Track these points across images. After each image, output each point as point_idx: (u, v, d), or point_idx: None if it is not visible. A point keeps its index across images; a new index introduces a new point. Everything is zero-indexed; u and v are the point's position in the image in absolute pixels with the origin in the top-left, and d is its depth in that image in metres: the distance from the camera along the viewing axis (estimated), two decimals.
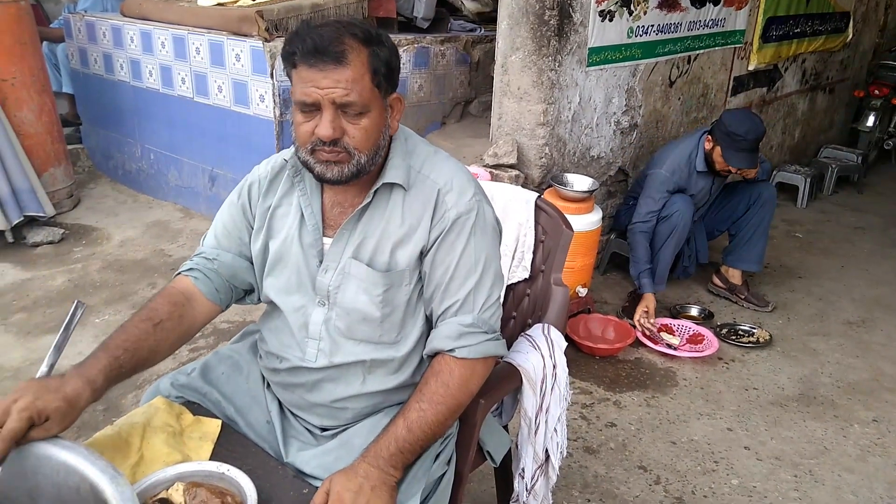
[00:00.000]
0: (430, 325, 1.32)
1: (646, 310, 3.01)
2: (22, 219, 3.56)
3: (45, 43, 4.63)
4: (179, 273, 1.36)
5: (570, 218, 2.75)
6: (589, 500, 2.08)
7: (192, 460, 1.22)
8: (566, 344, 1.61)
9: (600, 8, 3.02)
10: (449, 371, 1.23)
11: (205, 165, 3.93)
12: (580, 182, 2.99)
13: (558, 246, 1.72)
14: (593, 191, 2.95)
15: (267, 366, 1.40)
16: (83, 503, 1.06)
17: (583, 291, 2.97)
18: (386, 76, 1.17)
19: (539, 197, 1.82)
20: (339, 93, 1.11)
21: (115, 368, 1.15)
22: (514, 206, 1.84)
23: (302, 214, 1.30)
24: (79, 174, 4.51)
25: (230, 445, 1.30)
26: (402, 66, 3.56)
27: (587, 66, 3.09)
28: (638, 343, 2.96)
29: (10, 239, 3.56)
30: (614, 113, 3.37)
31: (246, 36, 3.37)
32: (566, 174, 3.07)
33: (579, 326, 2.95)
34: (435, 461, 1.30)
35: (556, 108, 3.02)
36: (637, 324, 3.00)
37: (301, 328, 1.31)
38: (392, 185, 1.26)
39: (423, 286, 1.29)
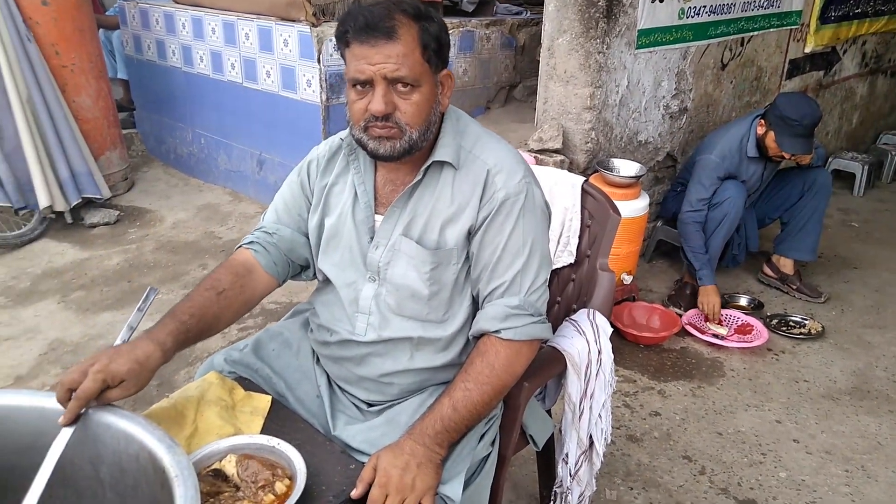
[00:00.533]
0: (476, 306, 1.33)
1: (713, 304, 2.94)
2: (80, 200, 3.69)
3: (101, 30, 4.77)
4: (241, 246, 1.40)
5: (615, 204, 2.72)
6: (632, 488, 2.07)
7: (244, 434, 1.26)
8: (612, 330, 1.60)
9: None
10: (495, 352, 1.24)
11: (253, 150, 4.00)
12: (627, 167, 2.95)
13: (605, 231, 1.70)
14: (640, 176, 2.90)
15: (317, 339, 1.43)
16: (142, 471, 1.11)
17: (628, 279, 2.94)
18: (436, 51, 1.18)
19: (586, 181, 1.80)
20: (391, 67, 1.13)
21: (182, 333, 1.19)
22: (560, 191, 1.82)
23: (356, 192, 1.32)
24: (133, 158, 4.65)
25: (280, 420, 1.33)
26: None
27: (636, 49, 3.02)
28: (684, 332, 2.91)
29: (69, 220, 3.70)
30: (663, 97, 3.30)
31: (294, 21, 3.40)
32: (612, 159, 3.02)
33: (624, 314, 2.92)
34: (479, 442, 1.31)
35: (603, 91, 2.97)
36: (710, 320, 2.94)
37: (352, 303, 1.34)
38: (442, 164, 1.26)
39: (470, 266, 1.30)
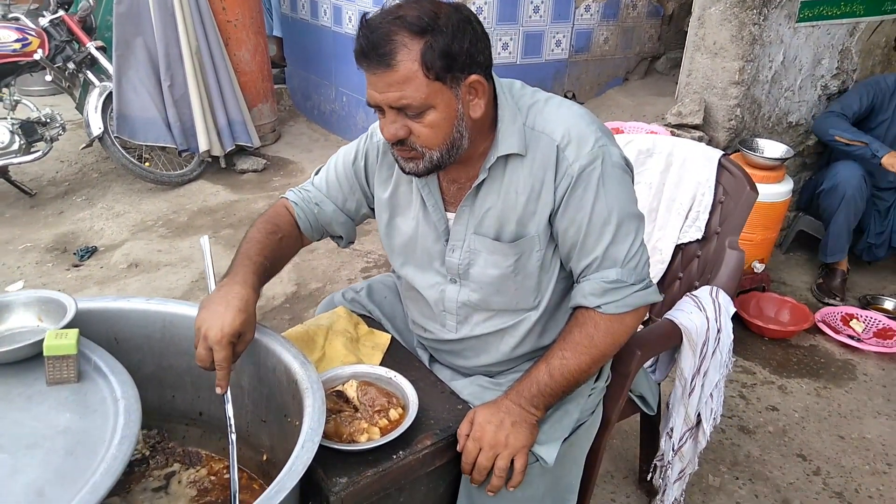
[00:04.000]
0: (568, 278, 1.29)
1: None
2: (233, 147, 4.03)
3: None
4: (284, 198, 1.42)
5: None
6: (737, 478, 2.01)
7: (365, 364, 1.37)
8: (734, 310, 1.56)
9: None
10: (594, 324, 1.20)
11: None
12: (772, 148, 2.77)
13: (739, 207, 1.65)
14: (786, 159, 2.72)
15: (413, 329, 1.49)
16: (277, 382, 1.25)
17: (759, 267, 2.79)
18: (445, 66, 1.06)
19: (724, 155, 1.74)
20: (393, 96, 1.07)
21: (261, 273, 1.24)
22: (694, 164, 1.77)
23: (422, 195, 1.29)
24: (281, 112, 4.98)
25: (398, 357, 1.43)
26: (589, 16, 3.51)
27: (797, 22, 2.81)
28: (815, 329, 2.73)
29: (222, 165, 4.05)
30: (822, 76, 3.05)
31: None
32: (757, 139, 2.85)
33: (751, 304, 2.78)
34: (580, 409, 1.32)
35: (754, 66, 2.80)
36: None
37: (437, 302, 1.34)
38: (507, 156, 1.20)
39: (556, 245, 1.24)
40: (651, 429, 1.76)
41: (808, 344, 2.68)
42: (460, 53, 1.07)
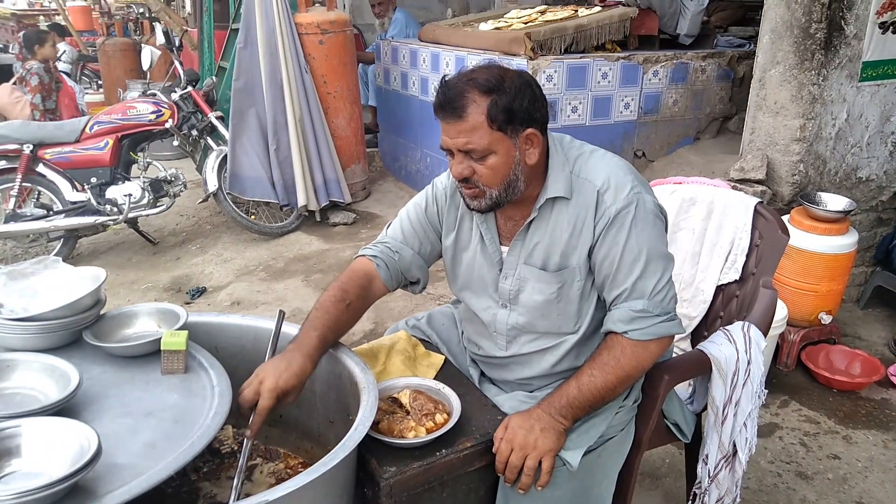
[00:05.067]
0: (605, 309, 1.44)
1: None
2: (328, 203, 4.44)
3: (359, 64, 5.65)
4: (363, 255, 1.56)
5: (817, 238, 2.67)
6: None
7: (419, 377, 1.57)
8: (765, 344, 1.65)
9: (881, 20, 2.80)
10: (621, 348, 1.36)
11: None
12: (834, 202, 2.80)
13: (771, 250, 1.75)
14: (848, 212, 2.74)
15: (467, 346, 1.69)
16: (342, 385, 1.48)
17: (826, 319, 2.78)
18: (507, 120, 1.28)
19: (760, 202, 1.86)
20: (461, 142, 1.30)
21: (323, 345, 1.39)
22: (733, 211, 1.90)
23: (481, 231, 1.49)
24: (372, 172, 5.41)
25: (449, 375, 1.62)
26: (658, 81, 3.69)
27: (859, 81, 2.88)
28: (888, 384, 2.67)
29: (317, 218, 4.47)
30: (893, 132, 3.07)
31: (515, 55, 3.78)
32: (820, 193, 2.89)
33: (820, 356, 2.76)
34: (607, 424, 1.46)
35: (815, 123, 2.88)
36: None
37: (490, 324, 1.53)
38: (555, 198, 1.40)
39: (594, 276, 1.42)
40: (693, 459, 1.83)
41: (879, 397, 2.62)
42: (520, 110, 1.30)
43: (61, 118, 5.26)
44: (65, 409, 1.14)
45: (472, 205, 1.40)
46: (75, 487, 0.97)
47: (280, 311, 1.50)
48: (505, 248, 1.48)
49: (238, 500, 1.21)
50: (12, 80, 5.75)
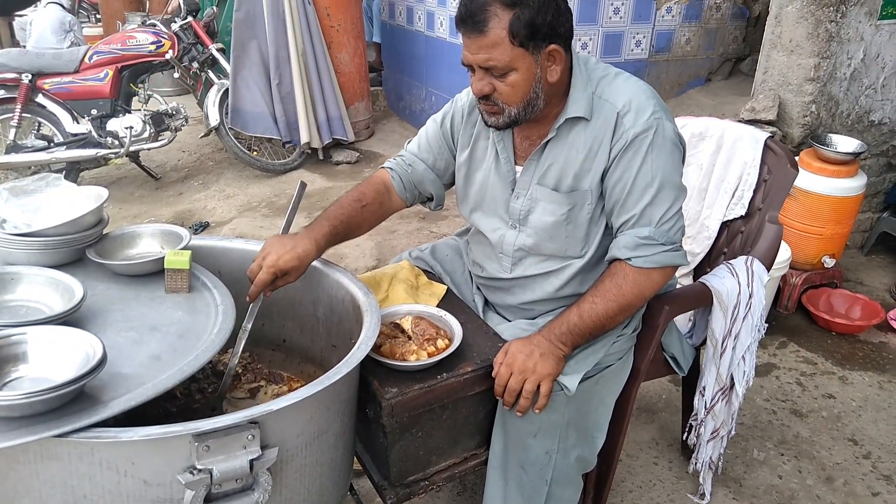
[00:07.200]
0: (612, 233, 1.45)
1: None
2: (331, 140, 4.39)
3: None
4: (383, 167, 1.62)
5: (825, 181, 2.64)
6: (782, 454, 2.06)
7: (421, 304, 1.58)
8: (768, 278, 1.65)
9: None
10: (623, 275, 1.36)
11: None
12: (844, 143, 2.76)
13: (780, 184, 1.73)
14: (858, 154, 2.70)
15: (471, 269, 1.69)
16: (345, 311, 1.49)
17: (829, 262, 2.78)
18: (529, 35, 1.25)
19: (770, 137, 1.83)
20: (482, 57, 1.27)
21: (332, 235, 1.43)
22: (742, 145, 1.87)
23: (497, 149, 1.48)
24: (375, 111, 5.33)
25: (450, 304, 1.63)
26: (671, 18, 3.58)
27: (878, 20, 2.79)
28: (887, 328, 2.69)
29: (320, 156, 4.43)
30: None
31: None
32: (830, 135, 2.84)
33: (821, 299, 2.77)
34: (605, 352, 1.47)
35: (830, 62, 2.81)
36: None
37: (497, 244, 1.53)
38: (575, 118, 1.37)
39: (605, 202, 1.41)
40: (690, 392, 1.86)
41: (877, 340, 2.65)
42: (543, 25, 1.26)
43: None
44: (69, 321, 1.15)
45: (489, 121, 1.38)
46: (82, 393, 0.99)
47: (301, 182, 1.50)
48: (519, 168, 1.47)
49: (226, 388, 1.35)
50: None
